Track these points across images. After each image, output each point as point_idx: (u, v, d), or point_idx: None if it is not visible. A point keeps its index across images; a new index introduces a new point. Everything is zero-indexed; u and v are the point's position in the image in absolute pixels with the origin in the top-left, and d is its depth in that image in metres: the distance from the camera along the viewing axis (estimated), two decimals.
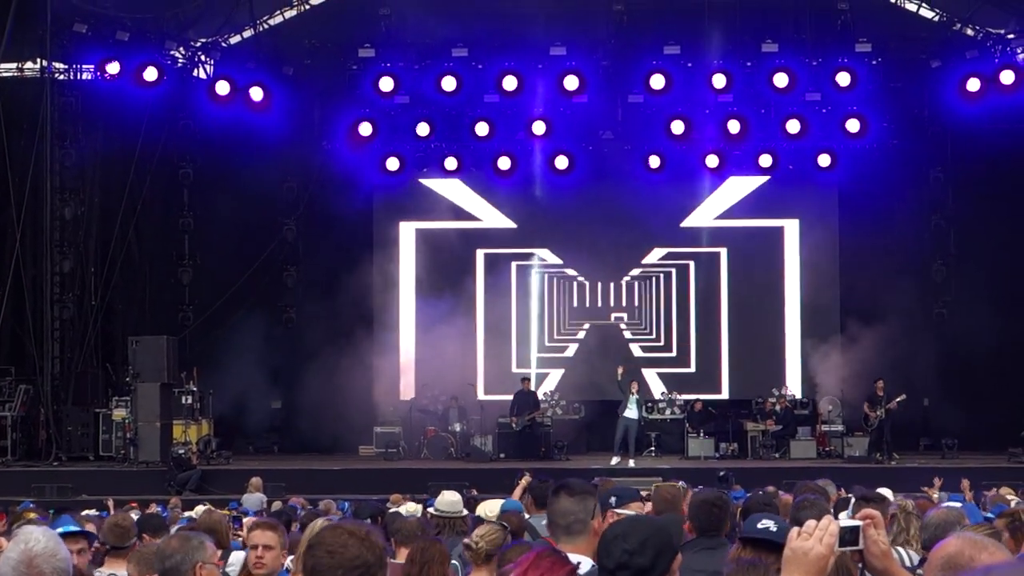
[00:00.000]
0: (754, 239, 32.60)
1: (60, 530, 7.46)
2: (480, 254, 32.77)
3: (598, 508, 6.25)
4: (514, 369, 32.22)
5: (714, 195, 32.48)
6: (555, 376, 32.44)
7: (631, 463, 28.34)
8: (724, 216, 32.55)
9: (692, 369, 32.73)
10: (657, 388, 32.08)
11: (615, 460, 28.47)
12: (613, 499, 8.23)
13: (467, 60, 30.96)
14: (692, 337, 32.72)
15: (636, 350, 32.71)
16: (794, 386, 31.68)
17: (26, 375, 29.26)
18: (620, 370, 29.63)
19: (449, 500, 10.74)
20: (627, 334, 32.77)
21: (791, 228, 32.66)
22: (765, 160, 31.56)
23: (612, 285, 32.79)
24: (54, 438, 28.33)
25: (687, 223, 32.53)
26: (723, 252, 32.74)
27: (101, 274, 29.97)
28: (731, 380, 32.58)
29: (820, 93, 30.95)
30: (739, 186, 32.49)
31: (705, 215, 32.62)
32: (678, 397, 31.51)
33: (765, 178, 32.10)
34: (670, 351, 32.79)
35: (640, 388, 29.95)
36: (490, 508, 10.79)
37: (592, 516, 6.13)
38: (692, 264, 32.81)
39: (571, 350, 32.70)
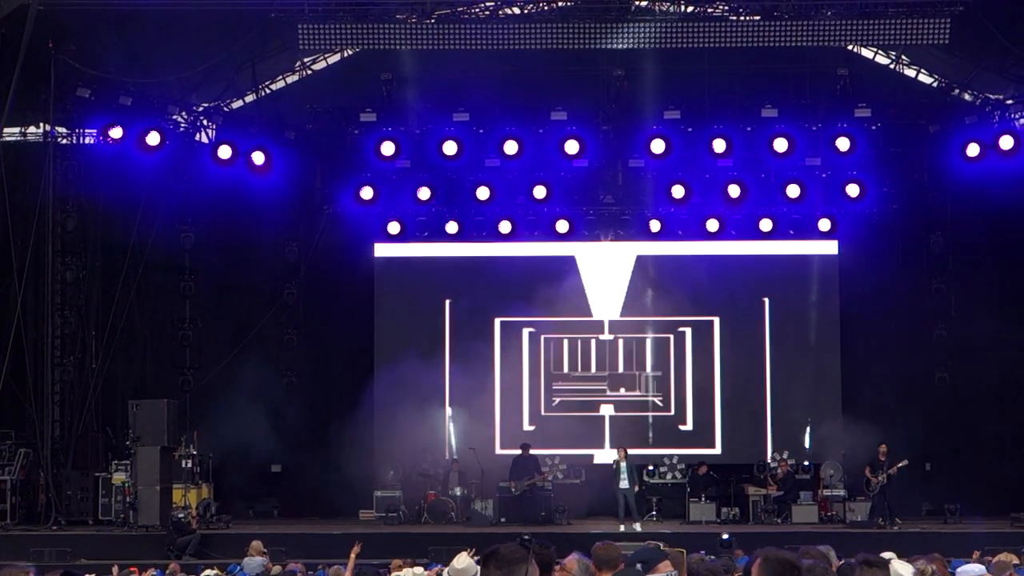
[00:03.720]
0: (746, 306, 32.47)
1: None
2: (479, 318, 32.63)
3: (530, 572, 6.12)
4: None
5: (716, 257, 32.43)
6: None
7: (637, 527, 28.22)
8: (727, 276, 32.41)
9: (689, 427, 32.60)
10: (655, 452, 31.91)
11: (622, 528, 28.39)
12: (639, 565, 8.04)
13: (468, 124, 31.08)
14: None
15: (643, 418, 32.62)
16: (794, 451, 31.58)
17: (26, 439, 29.16)
18: (619, 453, 29.75)
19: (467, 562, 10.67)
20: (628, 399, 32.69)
21: (789, 293, 32.54)
22: (765, 225, 31.61)
23: (612, 347, 32.70)
24: (54, 502, 28.20)
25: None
26: (716, 320, 32.61)
27: (102, 337, 29.94)
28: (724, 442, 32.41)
29: (820, 158, 31.05)
30: (737, 249, 32.41)
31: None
32: (678, 462, 31.38)
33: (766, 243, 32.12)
34: (668, 410, 32.61)
35: (627, 456, 29.89)
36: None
37: None
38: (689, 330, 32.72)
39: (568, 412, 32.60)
